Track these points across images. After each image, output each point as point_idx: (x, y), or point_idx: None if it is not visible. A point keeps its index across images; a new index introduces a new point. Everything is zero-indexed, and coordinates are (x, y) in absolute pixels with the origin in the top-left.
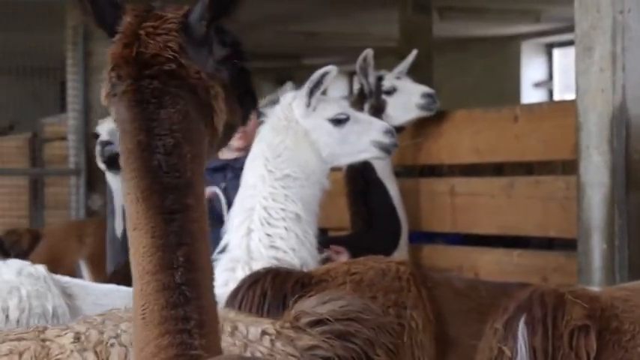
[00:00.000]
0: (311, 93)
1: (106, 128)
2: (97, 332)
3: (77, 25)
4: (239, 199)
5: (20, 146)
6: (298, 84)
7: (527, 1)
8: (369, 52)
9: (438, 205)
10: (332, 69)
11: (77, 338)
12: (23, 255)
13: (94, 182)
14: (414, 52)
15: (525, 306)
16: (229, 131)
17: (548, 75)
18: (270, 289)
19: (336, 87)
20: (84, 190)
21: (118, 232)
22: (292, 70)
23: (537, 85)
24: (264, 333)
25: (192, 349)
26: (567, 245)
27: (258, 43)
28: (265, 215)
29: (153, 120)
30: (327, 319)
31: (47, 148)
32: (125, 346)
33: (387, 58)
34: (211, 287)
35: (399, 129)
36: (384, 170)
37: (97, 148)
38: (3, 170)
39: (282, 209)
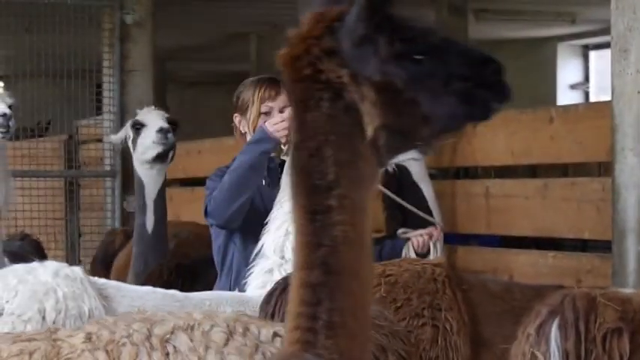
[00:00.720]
0: None
1: (159, 116)
2: (108, 332)
3: (113, 28)
4: (278, 202)
5: (55, 148)
6: None
7: (562, 3)
8: None
9: (473, 207)
10: None
11: (88, 338)
12: (114, 254)
13: (130, 184)
14: None
15: (557, 310)
16: (400, 136)
17: (584, 77)
18: None
19: None
20: (119, 192)
21: (149, 227)
22: None
23: (573, 86)
24: (275, 335)
25: (314, 348)
26: (601, 247)
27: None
28: None
29: (302, 122)
30: None
31: (83, 150)
32: (137, 345)
33: None
34: (356, 292)
35: None
36: (419, 173)
37: (157, 136)
38: (38, 172)
39: None
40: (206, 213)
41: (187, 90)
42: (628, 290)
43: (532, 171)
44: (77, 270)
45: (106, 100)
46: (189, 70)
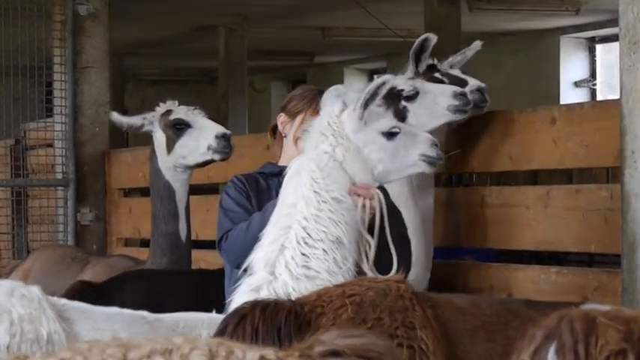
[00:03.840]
0: (366, 106)
1: (209, 120)
2: (82, 358)
3: (65, 20)
4: (275, 216)
5: (1, 154)
6: (311, 84)
7: None
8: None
9: (467, 218)
10: (389, 78)
11: None
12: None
13: (84, 194)
14: (478, 43)
15: (554, 333)
16: None
17: (590, 73)
18: (262, 324)
19: (354, 88)
20: (72, 202)
21: (183, 235)
22: (305, 68)
23: (578, 84)
24: (262, 358)
25: None
26: (609, 262)
27: (269, 39)
28: (304, 235)
29: None
30: (344, 352)
31: (31, 156)
32: None
33: None
34: None
35: None
36: (399, 195)
37: (219, 142)
38: None
39: (324, 231)
40: (219, 246)
41: (148, 89)
42: (627, 310)
43: (533, 177)
44: (35, 289)
45: (57, 101)
46: (151, 67)
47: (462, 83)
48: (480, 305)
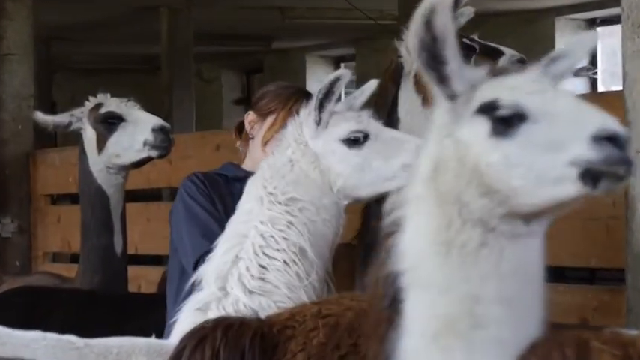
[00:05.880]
0: (321, 106)
1: (144, 112)
2: None
3: None
4: (231, 225)
5: None
6: (268, 73)
7: None
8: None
9: None
10: (345, 73)
11: None
12: None
13: (5, 202)
14: (469, 9)
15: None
16: None
17: (589, 59)
18: (224, 348)
19: (318, 77)
20: None
21: (118, 249)
22: (261, 55)
23: (576, 72)
24: None
25: None
26: (612, 277)
27: (219, 21)
28: (262, 243)
29: None
30: None
31: None
32: None
33: (383, 39)
34: None
35: None
36: None
37: (155, 137)
38: None
39: (284, 238)
40: (195, 268)
41: (80, 79)
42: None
43: None
44: None
45: None
46: (83, 54)
47: (497, 53)
48: None
